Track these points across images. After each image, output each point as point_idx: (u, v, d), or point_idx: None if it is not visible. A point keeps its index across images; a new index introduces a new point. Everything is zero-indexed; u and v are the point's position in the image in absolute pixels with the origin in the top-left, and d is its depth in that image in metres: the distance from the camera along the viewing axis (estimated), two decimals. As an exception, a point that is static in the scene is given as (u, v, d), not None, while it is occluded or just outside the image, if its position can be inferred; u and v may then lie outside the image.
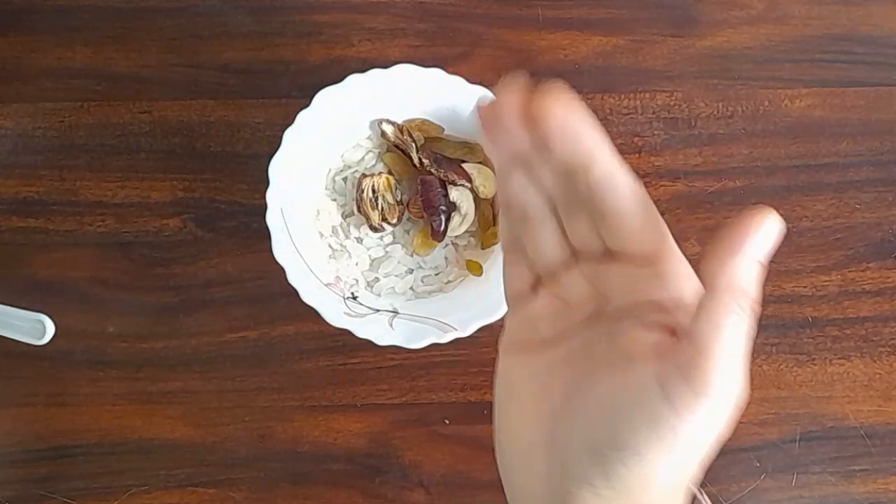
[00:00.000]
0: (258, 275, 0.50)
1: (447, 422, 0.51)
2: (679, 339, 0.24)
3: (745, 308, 0.23)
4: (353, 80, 0.44)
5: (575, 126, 0.24)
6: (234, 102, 0.51)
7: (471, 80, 0.44)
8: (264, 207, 0.44)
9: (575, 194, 0.26)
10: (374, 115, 0.48)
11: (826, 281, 0.51)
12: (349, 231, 0.48)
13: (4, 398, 0.51)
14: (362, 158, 0.49)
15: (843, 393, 0.50)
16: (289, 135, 0.44)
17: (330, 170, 0.49)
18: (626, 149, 0.51)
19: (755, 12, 0.52)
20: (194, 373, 0.50)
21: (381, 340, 0.45)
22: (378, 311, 0.47)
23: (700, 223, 0.51)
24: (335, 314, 0.45)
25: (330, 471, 0.50)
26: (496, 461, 0.29)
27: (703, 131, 0.51)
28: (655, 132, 0.51)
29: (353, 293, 0.47)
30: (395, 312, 0.47)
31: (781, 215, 0.54)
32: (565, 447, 0.26)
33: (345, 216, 0.49)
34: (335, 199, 0.49)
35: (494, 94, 0.25)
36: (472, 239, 0.49)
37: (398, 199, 0.48)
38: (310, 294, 0.45)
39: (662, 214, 0.53)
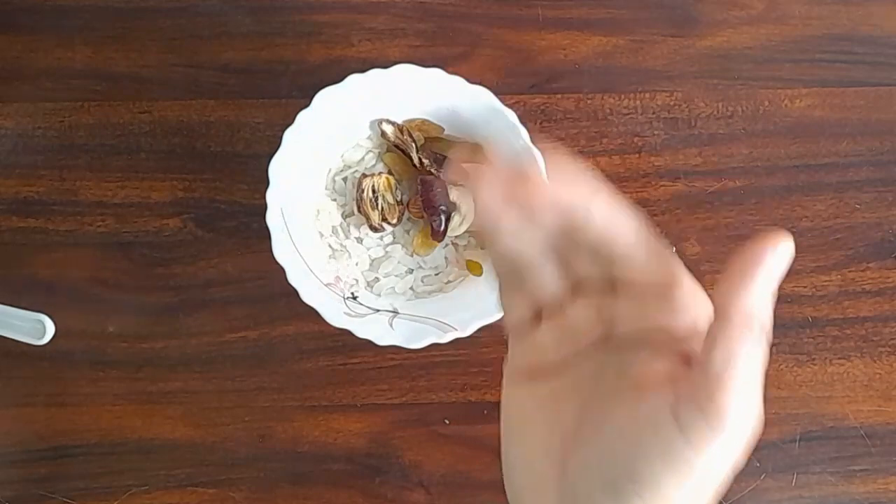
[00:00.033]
0: (258, 275, 0.50)
1: (447, 422, 0.51)
2: (692, 368, 0.23)
3: (760, 337, 0.22)
4: (353, 80, 0.44)
5: (563, 199, 0.23)
6: (234, 102, 0.51)
7: (471, 80, 0.44)
8: (264, 207, 0.44)
9: (573, 242, 0.25)
10: (374, 115, 0.48)
11: (826, 281, 0.51)
12: (349, 231, 0.48)
13: (4, 398, 0.51)
14: (362, 158, 0.49)
15: (843, 393, 0.50)
16: (289, 135, 0.44)
17: (330, 170, 0.49)
18: (626, 149, 0.51)
19: (755, 12, 0.52)
20: (194, 373, 0.50)
21: (381, 340, 0.45)
22: (378, 311, 0.47)
23: (700, 223, 0.51)
24: (335, 314, 0.45)
25: (330, 471, 0.50)
26: (504, 490, 0.29)
27: (703, 131, 0.51)
28: (655, 132, 0.51)
29: (353, 293, 0.47)
30: (395, 312, 0.47)
31: (781, 215, 0.54)
32: (578, 479, 0.25)
33: (345, 216, 0.49)
34: (335, 199, 0.49)
35: (470, 169, 0.24)
36: (472, 239, 0.49)
37: (398, 199, 0.48)
38: (310, 294, 0.45)
39: (662, 214, 0.53)
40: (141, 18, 0.52)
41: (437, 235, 0.47)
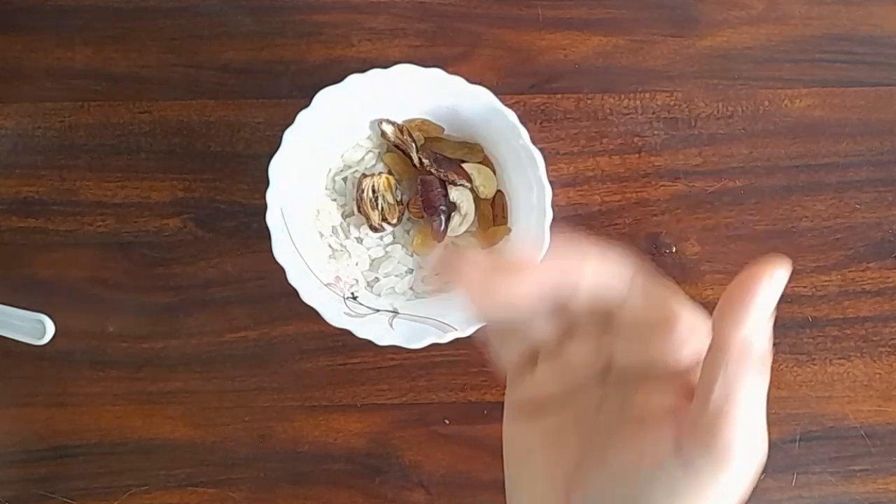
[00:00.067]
0: (258, 275, 0.50)
1: (447, 422, 0.51)
2: (693, 402, 0.23)
3: (759, 366, 0.22)
4: (353, 80, 0.44)
5: (549, 283, 0.23)
6: (234, 102, 0.51)
7: (471, 80, 0.44)
8: (264, 207, 0.44)
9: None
10: (374, 115, 0.48)
11: (826, 281, 0.51)
12: (349, 231, 0.48)
13: (4, 398, 0.51)
14: (362, 158, 0.49)
15: (843, 393, 0.50)
16: (289, 135, 0.44)
17: (330, 170, 0.49)
18: (626, 149, 0.51)
19: (755, 12, 0.52)
20: (194, 373, 0.50)
21: (381, 340, 0.45)
22: (378, 311, 0.47)
23: (700, 223, 0.51)
24: (335, 314, 0.45)
25: (330, 471, 0.50)
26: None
27: (703, 131, 0.51)
28: (655, 132, 0.51)
29: (353, 293, 0.47)
30: (395, 312, 0.47)
31: (781, 215, 0.54)
32: None
33: (345, 216, 0.49)
34: (335, 199, 0.49)
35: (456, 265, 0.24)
36: (472, 239, 0.49)
37: (398, 199, 0.48)
38: (310, 294, 0.45)
39: (662, 214, 0.53)
40: (141, 18, 0.52)
41: (437, 235, 0.47)
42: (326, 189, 0.49)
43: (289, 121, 0.44)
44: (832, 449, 0.50)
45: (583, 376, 0.26)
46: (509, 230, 0.47)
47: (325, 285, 0.47)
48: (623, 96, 0.51)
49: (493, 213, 0.48)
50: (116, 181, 0.51)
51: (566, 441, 0.26)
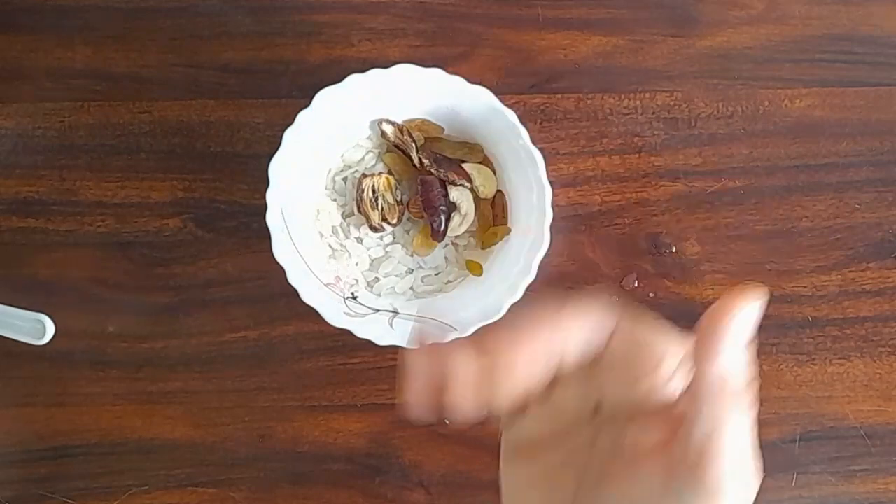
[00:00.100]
0: (258, 275, 0.50)
1: (447, 422, 0.51)
2: (681, 438, 0.23)
3: (743, 400, 0.22)
4: (353, 80, 0.44)
5: (538, 372, 0.23)
6: (234, 102, 0.51)
7: (471, 80, 0.44)
8: (264, 207, 0.44)
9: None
10: (374, 115, 0.48)
11: (826, 281, 0.51)
12: (349, 231, 0.48)
13: (4, 398, 0.51)
14: (362, 158, 0.49)
15: (843, 393, 0.50)
16: (289, 135, 0.44)
17: (330, 170, 0.49)
18: (626, 149, 0.51)
19: (755, 12, 0.52)
20: (194, 373, 0.50)
21: (381, 340, 0.45)
22: (378, 311, 0.47)
23: (700, 223, 0.51)
24: (335, 314, 0.45)
25: (330, 471, 0.50)
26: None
27: (703, 131, 0.51)
28: (655, 132, 0.51)
29: (353, 293, 0.47)
30: (395, 312, 0.47)
31: (781, 215, 0.54)
32: None
33: (345, 216, 0.49)
34: (335, 199, 0.49)
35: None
36: (472, 239, 0.49)
37: (398, 199, 0.48)
38: (310, 294, 0.45)
39: (662, 214, 0.53)
40: (141, 18, 0.52)
41: (437, 235, 0.47)
42: (326, 189, 0.49)
43: (289, 121, 0.44)
44: (832, 449, 0.50)
45: (574, 417, 0.26)
46: (509, 230, 0.47)
47: (325, 285, 0.47)
48: (623, 96, 0.51)
49: (493, 213, 0.48)
50: (116, 181, 0.51)
51: (562, 480, 0.26)
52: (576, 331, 0.24)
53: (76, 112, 0.51)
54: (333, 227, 0.48)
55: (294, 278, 0.44)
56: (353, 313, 0.46)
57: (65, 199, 0.51)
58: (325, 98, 0.44)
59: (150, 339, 0.51)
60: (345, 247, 0.48)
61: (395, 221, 0.48)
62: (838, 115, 0.51)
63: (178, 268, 0.51)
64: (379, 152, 0.49)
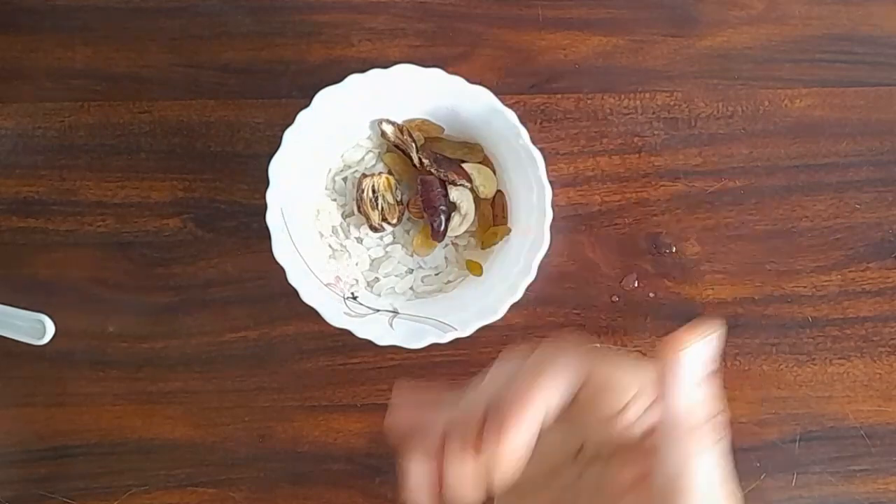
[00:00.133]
0: (258, 275, 0.50)
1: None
2: (652, 475, 0.23)
3: (707, 438, 0.22)
4: (353, 80, 0.44)
5: (531, 438, 0.24)
6: (234, 102, 0.51)
7: (471, 80, 0.44)
8: (264, 207, 0.44)
9: None
10: (374, 115, 0.48)
11: (826, 281, 0.51)
12: (349, 231, 0.48)
13: (4, 398, 0.51)
14: (362, 158, 0.49)
15: (843, 393, 0.50)
16: (289, 135, 0.44)
17: (330, 170, 0.49)
18: (626, 149, 0.51)
19: (755, 12, 0.52)
20: (194, 373, 0.50)
21: (381, 340, 0.45)
22: (378, 311, 0.47)
23: (700, 223, 0.51)
24: (335, 314, 0.45)
25: (330, 471, 0.50)
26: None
27: (703, 131, 0.51)
28: (655, 132, 0.51)
29: (353, 293, 0.47)
30: (395, 312, 0.47)
31: (781, 215, 0.54)
32: None
33: (345, 216, 0.49)
34: (335, 199, 0.49)
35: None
36: (472, 239, 0.49)
37: (398, 199, 0.48)
38: (310, 294, 0.45)
39: (662, 214, 0.53)
40: (141, 18, 0.52)
41: (437, 235, 0.47)
42: (326, 189, 0.49)
43: (289, 121, 0.44)
44: (832, 449, 0.50)
45: (559, 458, 0.27)
46: (509, 230, 0.47)
47: (325, 285, 0.47)
48: (623, 96, 0.51)
49: (493, 213, 0.48)
50: (116, 181, 0.51)
51: None
52: (555, 389, 0.25)
53: (76, 112, 0.51)
54: (333, 227, 0.48)
55: (294, 278, 0.44)
56: (353, 313, 0.46)
57: (65, 199, 0.51)
58: (325, 98, 0.44)
59: (150, 339, 0.51)
60: (345, 247, 0.48)
61: (395, 221, 0.48)
62: (838, 115, 0.51)
63: (178, 268, 0.51)
64: (379, 152, 0.49)
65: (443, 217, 0.47)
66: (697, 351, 0.22)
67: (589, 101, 0.51)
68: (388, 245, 0.49)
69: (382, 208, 0.47)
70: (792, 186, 0.51)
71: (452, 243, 0.49)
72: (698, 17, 0.52)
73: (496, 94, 0.44)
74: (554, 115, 0.51)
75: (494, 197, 0.48)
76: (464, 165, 0.47)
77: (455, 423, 0.25)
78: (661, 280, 0.51)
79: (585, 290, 0.51)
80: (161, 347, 0.51)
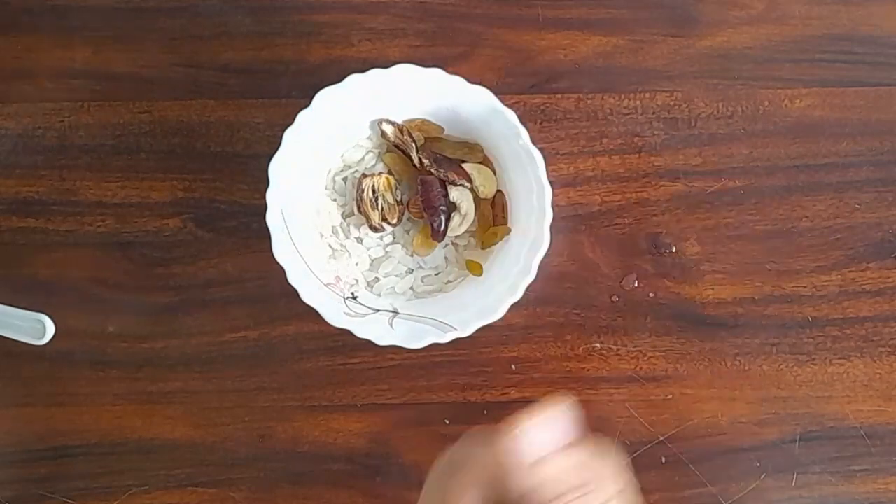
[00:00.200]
0: (258, 275, 0.50)
1: (447, 422, 0.51)
2: None
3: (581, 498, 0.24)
4: (353, 80, 0.44)
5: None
6: (234, 102, 0.51)
7: (471, 80, 0.44)
8: (264, 207, 0.44)
9: None
10: (374, 115, 0.48)
11: (826, 281, 0.51)
12: (349, 231, 0.48)
13: (4, 398, 0.51)
14: (362, 158, 0.49)
15: (843, 393, 0.50)
16: (289, 135, 0.44)
17: (330, 170, 0.49)
18: (626, 149, 0.51)
19: (755, 12, 0.52)
20: (194, 373, 0.50)
21: (381, 340, 0.45)
22: (378, 311, 0.47)
23: (700, 223, 0.51)
24: (335, 314, 0.45)
25: (330, 471, 0.50)
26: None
27: (703, 131, 0.51)
28: (655, 132, 0.51)
29: (353, 293, 0.47)
30: (395, 312, 0.47)
31: (781, 215, 0.54)
32: None
33: (345, 216, 0.49)
34: (335, 199, 0.49)
35: None
36: (472, 239, 0.49)
37: (398, 199, 0.48)
38: (310, 294, 0.45)
39: (662, 214, 0.53)
40: (141, 18, 0.52)
41: (437, 235, 0.47)
42: (326, 189, 0.49)
43: (289, 121, 0.44)
44: (832, 449, 0.50)
45: None
46: (509, 230, 0.47)
47: (325, 285, 0.47)
48: (623, 96, 0.51)
49: (493, 213, 0.48)
50: (116, 181, 0.51)
51: None
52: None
53: (76, 112, 0.51)
54: (333, 227, 0.48)
55: (294, 278, 0.44)
56: (353, 313, 0.46)
57: (65, 199, 0.51)
58: (325, 98, 0.44)
59: (150, 339, 0.51)
60: (345, 247, 0.48)
61: (395, 221, 0.48)
62: (838, 115, 0.51)
63: (178, 268, 0.51)
64: (379, 152, 0.49)
65: (443, 217, 0.47)
66: (534, 431, 0.23)
67: (589, 101, 0.51)
68: (388, 245, 0.49)
69: (382, 208, 0.47)
70: (792, 186, 0.51)
71: (452, 243, 0.49)
72: (698, 17, 0.52)
73: (496, 94, 0.44)
74: (554, 115, 0.51)
75: (494, 197, 0.48)
76: (464, 165, 0.47)
77: None
78: (661, 280, 0.51)
79: (585, 290, 0.51)
80: (161, 347, 0.51)
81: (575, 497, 0.24)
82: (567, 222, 0.50)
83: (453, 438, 0.50)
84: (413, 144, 0.47)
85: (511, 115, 0.44)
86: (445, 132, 0.48)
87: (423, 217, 0.48)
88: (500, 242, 0.48)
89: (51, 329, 0.50)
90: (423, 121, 0.48)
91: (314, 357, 0.50)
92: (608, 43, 0.51)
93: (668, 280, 0.51)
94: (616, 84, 0.51)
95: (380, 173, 0.48)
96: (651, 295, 0.51)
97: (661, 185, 0.51)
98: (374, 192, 0.47)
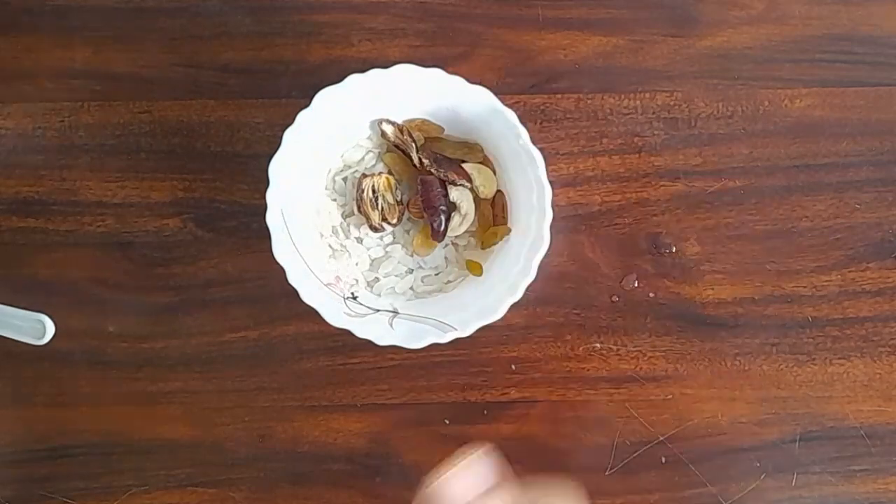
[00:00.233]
0: (258, 275, 0.50)
1: (447, 422, 0.51)
2: None
3: None
4: (353, 80, 0.44)
5: None
6: (234, 102, 0.51)
7: (471, 80, 0.44)
8: (264, 207, 0.44)
9: None
10: (374, 115, 0.48)
11: (826, 281, 0.51)
12: (349, 231, 0.48)
13: (4, 398, 0.51)
14: (362, 158, 0.49)
15: (843, 393, 0.50)
16: (289, 135, 0.44)
17: (330, 170, 0.49)
18: (626, 149, 0.51)
19: (755, 12, 0.52)
20: (194, 373, 0.50)
21: (381, 340, 0.45)
22: (378, 311, 0.47)
23: (700, 223, 0.51)
24: (335, 314, 0.45)
25: (330, 471, 0.50)
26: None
27: (703, 131, 0.51)
28: (655, 132, 0.51)
29: (353, 293, 0.47)
30: (395, 312, 0.47)
31: (781, 215, 0.54)
32: None
33: (345, 216, 0.49)
34: (335, 199, 0.49)
35: None
36: (472, 239, 0.49)
37: (398, 199, 0.48)
38: (310, 294, 0.45)
39: (662, 214, 0.53)
40: (141, 18, 0.52)
41: (437, 235, 0.47)
42: (326, 189, 0.49)
43: (289, 121, 0.44)
44: (832, 449, 0.50)
45: None
46: (509, 230, 0.47)
47: (325, 285, 0.47)
48: (623, 96, 0.51)
49: (493, 213, 0.48)
50: (116, 181, 0.51)
51: None
52: None
53: (76, 112, 0.51)
54: (333, 227, 0.48)
55: (294, 278, 0.44)
56: (353, 313, 0.46)
57: (65, 199, 0.51)
58: (325, 98, 0.44)
59: (150, 339, 0.51)
60: (345, 247, 0.48)
61: (395, 221, 0.48)
62: (838, 115, 0.51)
63: (178, 268, 0.51)
64: (379, 152, 0.49)
65: (443, 217, 0.47)
66: (454, 481, 0.23)
67: (589, 101, 0.51)
68: (388, 245, 0.49)
69: (382, 208, 0.47)
70: (792, 186, 0.51)
71: (452, 243, 0.49)
72: (698, 17, 0.52)
73: (496, 94, 0.44)
74: (554, 115, 0.51)
75: (494, 197, 0.48)
76: (464, 165, 0.47)
77: None
78: (661, 280, 0.51)
79: (585, 290, 0.51)
80: (161, 347, 0.51)
81: None
82: (567, 222, 0.50)
83: (453, 438, 0.51)
84: (413, 144, 0.47)
85: (511, 115, 0.44)
86: (445, 132, 0.48)
87: (423, 217, 0.48)
88: (500, 242, 0.48)
89: (51, 329, 0.50)
90: (423, 121, 0.48)
91: (314, 357, 0.50)
92: (608, 43, 0.51)
93: (668, 280, 0.51)
94: (616, 84, 0.51)
95: (380, 173, 0.48)
96: (651, 295, 0.51)
97: (661, 185, 0.51)
98: (374, 192, 0.47)
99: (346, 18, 0.52)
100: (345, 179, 0.49)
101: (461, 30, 0.52)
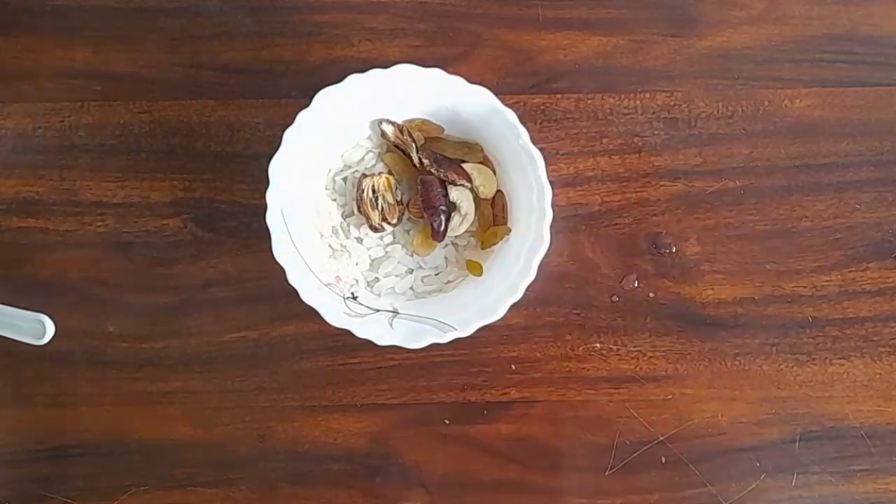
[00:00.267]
0: (258, 275, 0.50)
1: (447, 422, 0.51)
2: None
3: None
4: (353, 80, 0.44)
5: None
6: (234, 102, 0.51)
7: (471, 80, 0.44)
8: (264, 207, 0.44)
9: None
10: (374, 115, 0.48)
11: (826, 281, 0.51)
12: (349, 231, 0.48)
13: (4, 398, 0.51)
14: (362, 158, 0.49)
15: (843, 393, 0.50)
16: (289, 135, 0.44)
17: (330, 170, 0.49)
18: (626, 149, 0.51)
19: (755, 12, 0.52)
20: (194, 373, 0.50)
21: (381, 340, 0.45)
22: (378, 311, 0.47)
23: (700, 223, 0.51)
24: (335, 314, 0.45)
25: (330, 471, 0.50)
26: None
27: (703, 131, 0.51)
28: (655, 132, 0.51)
29: (353, 293, 0.47)
30: (395, 312, 0.47)
31: (781, 215, 0.54)
32: None
33: (345, 216, 0.49)
34: (335, 199, 0.49)
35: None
36: (472, 239, 0.49)
37: (398, 199, 0.48)
38: (310, 294, 0.45)
39: (662, 214, 0.53)
40: (141, 18, 0.52)
41: (437, 235, 0.47)
42: (326, 189, 0.49)
43: (289, 121, 0.44)
44: (832, 449, 0.50)
45: None
46: (509, 230, 0.47)
47: (325, 285, 0.47)
48: (623, 96, 0.51)
49: (493, 213, 0.48)
50: (116, 181, 0.51)
51: None
52: None
53: (76, 112, 0.51)
54: (333, 227, 0.48)
55: (294, 278, 0.44)
56: (353, 313, 0.46)
57: (65, 199, 0.51)
58: (325, 98, 0.44)
59: (150, 339, 0.51)
60: (345, 247, 0.48)
61: (395, 221, 0.48)
62: (838, 115, 0.51)
63: (178, 268, 0.51)
64: (379, 152, 0.49)
65: (443, 217, 0.47)
66: None
67: (589, 101, 0.51)
68: (388, 245, 0.49)
69: (382, 208, 0.47)
70: (792, 186, 0.51)
71: (452, 243, 0.49)
72: (698, 17, 0.52)
73: (496, 94, 0.44)
74: (554, 115, 0.51)
75: (494, 197, 0.48)
76: (464, 165, 0.47)
77: None
78: (661, 280, 0.51)
79: (585, 290, 0.51)
80: (161, 347, 0.51)
81: None
82: (567, 222, 0.50)
83: (453, 438, 0.51)
84: (413, 144, 0.47)
85: (511, 115, 0.44)
86: (445, 132, 0.48)
87: (423, 217, 0.48)
88: (500, 242, 0.48)
89: (51, 329, 0.50)
90: (423, 121, 0.48)
91: (314, 357, 0.50)
92: (608, 43, 0.52)
93: (668, 280, 0.51)
94: (616, 84, 0.51)
95: (380, 173, 0.48)
96: (651, 295, 0.51)
97: (661, 185, 0.51)
98: (374, 192, 0.47)
99: (346, 18, 0.52)
100: (345, 179, 0.49)
101: (461, 30, 0.52)
